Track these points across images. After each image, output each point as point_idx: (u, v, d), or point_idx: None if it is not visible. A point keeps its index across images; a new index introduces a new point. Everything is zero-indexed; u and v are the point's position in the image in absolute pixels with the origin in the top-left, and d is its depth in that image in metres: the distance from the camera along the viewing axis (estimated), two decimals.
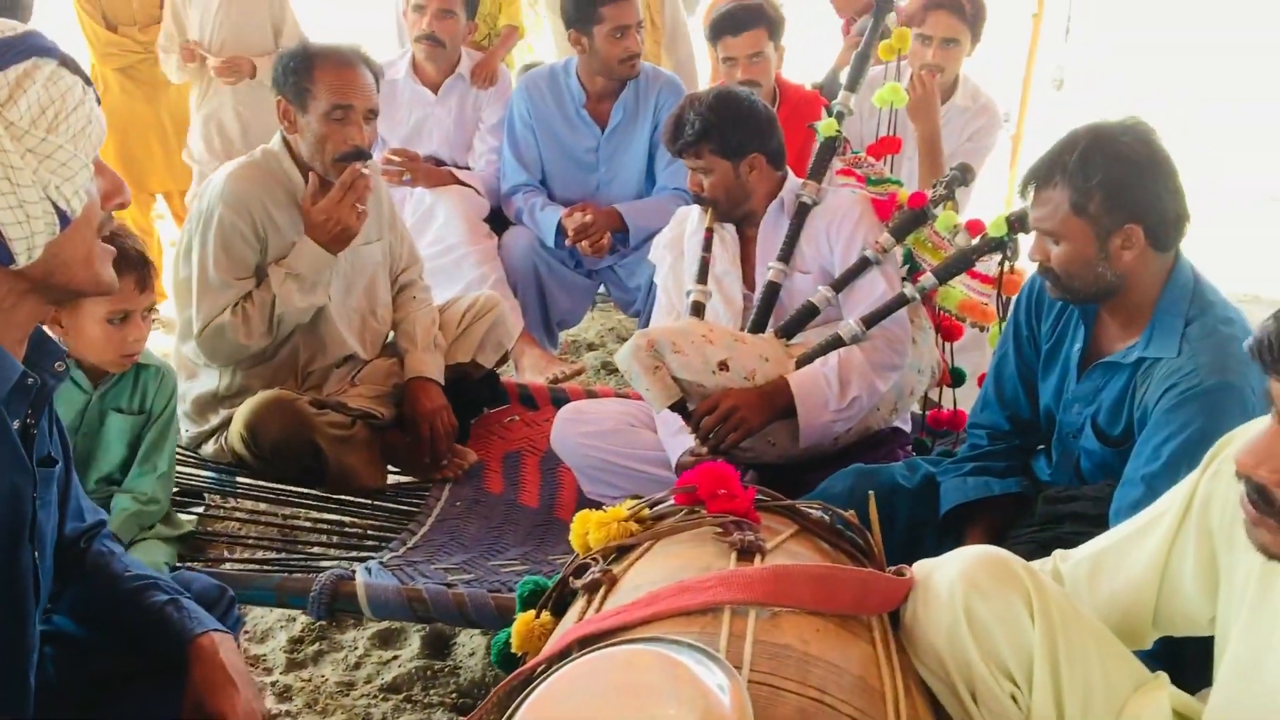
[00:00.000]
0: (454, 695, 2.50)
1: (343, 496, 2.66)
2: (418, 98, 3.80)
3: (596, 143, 3.61)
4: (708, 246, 2.63)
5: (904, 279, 2.56)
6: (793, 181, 2.63)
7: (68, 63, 1.26)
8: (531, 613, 1.46)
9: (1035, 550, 1.92)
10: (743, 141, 2.53)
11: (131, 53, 4.21)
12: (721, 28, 3.46)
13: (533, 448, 2.98)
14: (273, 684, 2.49)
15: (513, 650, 1.46)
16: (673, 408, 2.44)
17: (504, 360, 3.14)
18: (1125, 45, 10.51)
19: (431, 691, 2.52)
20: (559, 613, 1.49)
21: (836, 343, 2.45)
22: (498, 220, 3.73)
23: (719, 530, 1.38)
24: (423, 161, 3.73)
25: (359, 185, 2.56)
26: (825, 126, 2.75)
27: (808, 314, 2.52)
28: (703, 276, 2.61)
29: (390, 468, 2.83)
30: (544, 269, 3.61)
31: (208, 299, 2.54)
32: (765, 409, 2.41)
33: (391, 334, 2.93)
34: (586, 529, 1.47)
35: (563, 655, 1.24)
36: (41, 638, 1.57)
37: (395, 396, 2.81)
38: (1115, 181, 1.80)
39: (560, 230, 3.54)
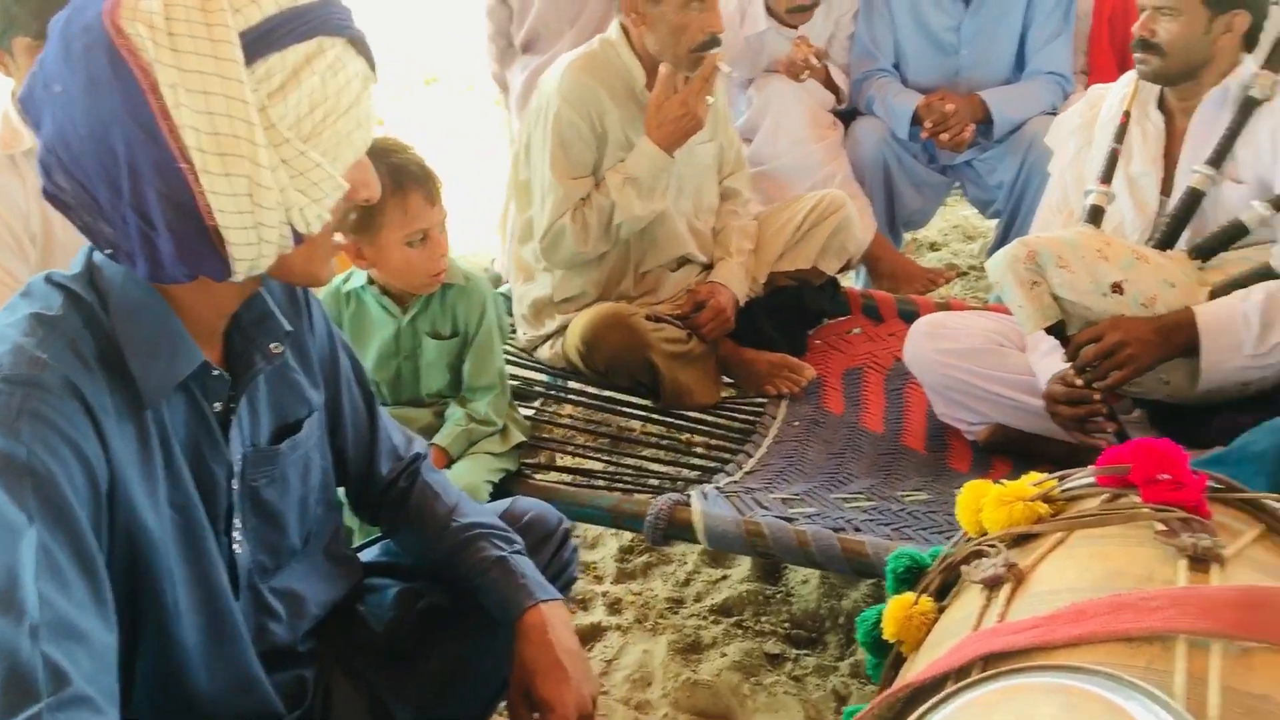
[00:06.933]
0: (786, 624, 2.38)
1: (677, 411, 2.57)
2: None
3: (958, 21, 3.20)
4: (1120, 137, 2.25)
5: None
6: (1246, 69, 2.19)
7: (357, 42, 1.06)
8: (910, 596, 1.25)
9: None
10: None
11: None
12: None
13: (876, 364, 2.74)
14: (604, 594, 2.46)
15: (885, 637, 1.26)
16: (1048, 330, 2.13)
17: (846, 267, 2.89)
18: None
19: (763, 618, 2.40)
20: (940, 595, 1.27)
21: (1266, 274, 2.02)
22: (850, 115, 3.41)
23: (1161, 528, 1.10)
24: None
25: (714, 75, 2.40)
26: None
27: (1234, 233, 2.09)
28: (1108, 174, 2.25)
29: (725, 379, 2.70)
30: (894, 163, 3.28)
31: (550, 201, 2.46)
32: (1160, 346, 2.06)
33: None
34: (979, 505, 1.22)
35: (963, 672, 1.02)
36: (383, 569, 1.54)
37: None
38: None
39: (915, 120, 3.20)
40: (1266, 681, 0.95)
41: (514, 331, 2.78)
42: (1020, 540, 1.19)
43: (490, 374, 2.17)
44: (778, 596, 2.46)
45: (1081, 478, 1.23)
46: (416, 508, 1.48)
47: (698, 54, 2.37)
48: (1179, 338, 2.06)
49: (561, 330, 2.57)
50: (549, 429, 2.62)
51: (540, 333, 2.65)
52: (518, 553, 1.45)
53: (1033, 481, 1.24)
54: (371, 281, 2.11)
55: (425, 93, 6.22)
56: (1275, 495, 1.20)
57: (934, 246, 4.13)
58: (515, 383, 2.59)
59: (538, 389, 2.68)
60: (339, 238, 1.16)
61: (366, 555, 1.57)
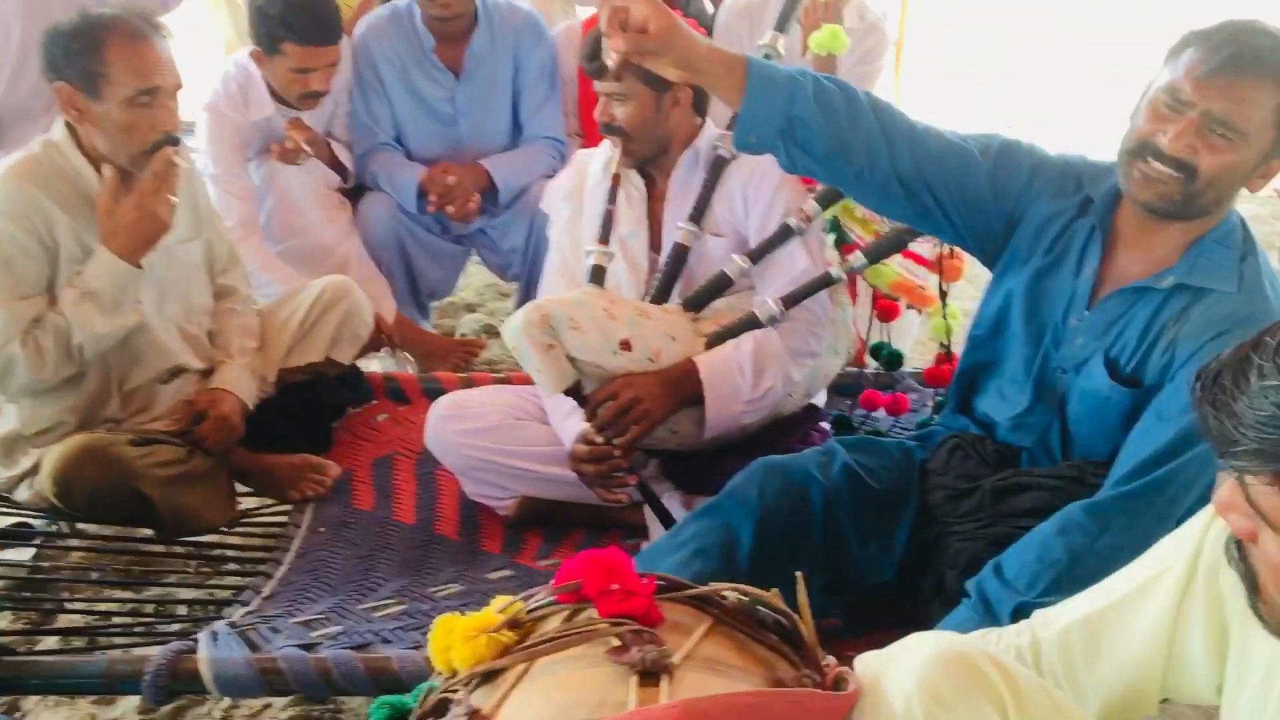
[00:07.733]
0: None
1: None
2: None
3: (451, 91, 3.20)
4: (613, 198, 2.32)
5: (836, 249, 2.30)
6: (710, 131, 2.33)
7: None
8: None
9: (985, 547, 1.72)
10: None
11: None
12: None
13: (406, 450, 2.65)
14: None
15: None
16: (567, 392, 2.15)
17: (364, 352, 2.79)
18: None
19: None
20: None
21: (752, 323, 2.18)
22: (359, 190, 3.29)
23: (615, 644, 1.09)
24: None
25: (173, 172, 2.19)
26: None
27: (719, 286, 2.25)
28: (605, 235, 2.31)
29: (242, 487, 2.50)
30: (408, 238, 3.20)
31: None
32: (670, 398, 2.15)
33: None
34: (449, 643, 1.16)
35: None
36: None
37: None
38: None
39: (421, 193, 3.15)
40: None
41: None
42: (488, 677, 1.15)
43: None
44: (326, 715, 2.30)
45: (544, 596, 1.21)
46: None
47: (151, 155, 2.16)
48: (685, 388, 2.16)
49: (37, 467, 2.25)
50: (50, 575, 2.31)
51: (15, 472, 2.30)
52: None
53: (498, 607, 1.20)
54: None
55: None
56: (728, 584, 1.24)
57: (470, 308, 4.11)
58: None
59: (35, 535, 2.36)
60: None
61: None
